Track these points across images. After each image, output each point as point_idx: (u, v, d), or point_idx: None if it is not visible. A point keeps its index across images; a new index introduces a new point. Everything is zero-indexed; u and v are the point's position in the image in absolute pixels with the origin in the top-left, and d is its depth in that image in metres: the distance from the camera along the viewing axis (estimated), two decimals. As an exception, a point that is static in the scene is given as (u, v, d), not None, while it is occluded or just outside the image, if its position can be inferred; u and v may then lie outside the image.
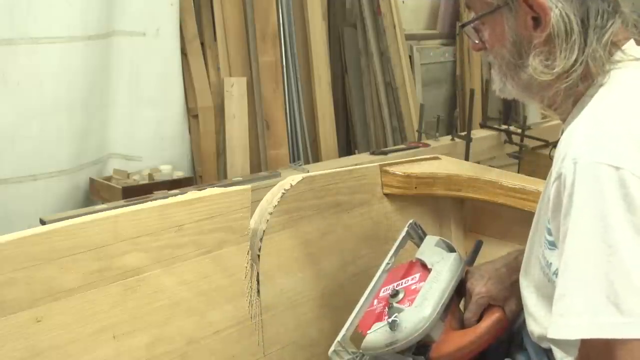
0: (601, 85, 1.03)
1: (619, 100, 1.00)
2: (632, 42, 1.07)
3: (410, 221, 1.48)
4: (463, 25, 1.15)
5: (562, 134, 1.15)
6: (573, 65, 1.03)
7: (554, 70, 1.04)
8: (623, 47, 1.05)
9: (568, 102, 1.09)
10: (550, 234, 1.03)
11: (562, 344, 0.96)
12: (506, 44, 1.08)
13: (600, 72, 1.03)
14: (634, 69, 1.04)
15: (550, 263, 1.06)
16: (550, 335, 0.94)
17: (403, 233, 1.47)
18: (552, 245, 1.04)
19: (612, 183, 0.90)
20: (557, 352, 1.06)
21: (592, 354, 0.93)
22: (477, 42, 1.14)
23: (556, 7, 1.01)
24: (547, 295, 1.09)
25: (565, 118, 1.11)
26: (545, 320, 1.11)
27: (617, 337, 0.88)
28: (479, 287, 1.31)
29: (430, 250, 1.40)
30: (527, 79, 1.08)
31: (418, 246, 1.44)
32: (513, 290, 1.30)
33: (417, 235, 1.48)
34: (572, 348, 0.99)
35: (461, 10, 4.25)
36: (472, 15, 1.13)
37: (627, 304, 0.87)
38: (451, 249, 1.40)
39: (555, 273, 1.03)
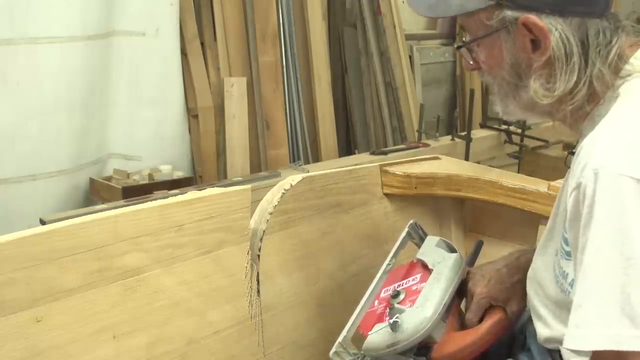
0: (613, 100, 1.02)
1: (636, 109, 0.99)
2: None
3: (411, 222, 1.48)
4: (459, 47, 1.12)
5: (578, 143, 1.14)
6: (575, 87, 1.02)
7: (555, 93, 1.03)
8: (631, 60, 1.04)
9: (578, 123, 1.08)
10: (567, 243, 1.02)
11: (579, 354, 0.95)
12: (504, 65, 1.07)
13: (606, 91, 1.02)
14: None
15: (567, 273, 1.05)
16: (565, 346, 0.94)
17: (403, 233, 1.46)
18: (569, 255, 1.03)
19: (633, 195, 0.89)
20: None
21: None
22: (471, 62, 1.12)
23: (556, 29, 1.00)
24: (560, 303, 1.09)
25: (580, 135, 1.09)
26: (556, 325, 1.12)
27: (629, 349, 0.87)
28: (480, 288, 1.31)
29: (431, 250, 1.39)
30: (529, 99, 1.07)
31: (419, 247, 1.44)
32: (514, 290, 1.29)
33: (417, 236, 1.47)
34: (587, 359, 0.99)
35: (461, 10, 4.24)
36: (467, 35, 1.11)
37: None
38: (452, 250, 1.40)
39: (571, 283, 1.03)
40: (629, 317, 0.87)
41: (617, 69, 1.03)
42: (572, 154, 1.13)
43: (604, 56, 1.01)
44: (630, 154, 0.92)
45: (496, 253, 1.44)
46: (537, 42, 1.02)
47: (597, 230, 0.91)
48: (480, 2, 1.03)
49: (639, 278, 0.87)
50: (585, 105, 1.04)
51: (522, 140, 3.58)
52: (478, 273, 1.35)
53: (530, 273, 1.22)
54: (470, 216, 1.93)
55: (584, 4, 1.00)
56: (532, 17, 1.00)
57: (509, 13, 1.01)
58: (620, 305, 0.87)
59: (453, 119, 3.83)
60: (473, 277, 1.35)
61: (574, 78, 1.01)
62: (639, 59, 1.04)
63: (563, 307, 1.08)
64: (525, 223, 1.71)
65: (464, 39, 1.12)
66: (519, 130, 3.58)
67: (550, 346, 1.14)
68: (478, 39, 1.08)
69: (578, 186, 0.94)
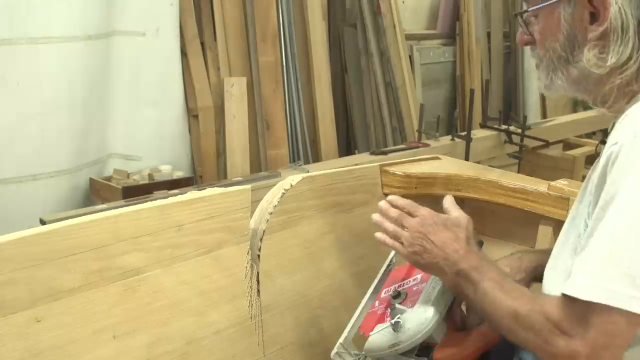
0: None
1: None
2: None
3: None
4: (517, 14, 1.14)
5: (611, 129, 1.14)
6: (627, 61, 1.03)
7: (607, 64, 1.04)
8: None
9: (622, 101, 1.08)
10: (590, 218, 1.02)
11: (574, 303, 0.95)
12: (559, 37, 1.08)
13: None
14: None
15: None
16: (563, 291, 0.95)
17: None
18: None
19: None
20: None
21: (592, 316, 0.93)
22: (526, 35, 1.14)
23: (616, 2, 1.02)
24: None
25: (618, 115, 1.10)
26: None
27: (621, 307, 0.89)
28: None
29: None
30: (578, 74, 1.08)
31: None
32: None
33: None
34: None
35: (461, 10, 4.25)
36: (526, 5, 1.12)
37: None
38: None
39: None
40: (631, 277, 0.88)
41: None
42: (604, 142, 1.14)
43: None
44: None
45: (496, 253, 1.44)
46: (595, 15, 1.04)
47: (627, 190, 0.91)
48: None
49: None
50: (633, 83, 1.05)
51: (522, 140, 3.58)
52: None
53: (546, 273, 1.22)
54: (470, 216, 1.92)
55: None
56: None
57: None
58: (627, 264, 0.88)
59: (453, 119, 3.84)
60: None
61: (628, 52, 1.03)
62: None
63: None
64: (525, 223, 1.71)
65: (523, 8, 1.14)
66: (519, 130, 3.59)
67: None
68: (541, 6, 1.09)
69: (615, 144, 0.96)
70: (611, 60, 1.03)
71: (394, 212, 1.27)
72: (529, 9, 1.12)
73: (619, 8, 1.02)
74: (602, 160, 0.99)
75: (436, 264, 1.18)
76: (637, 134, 0.94)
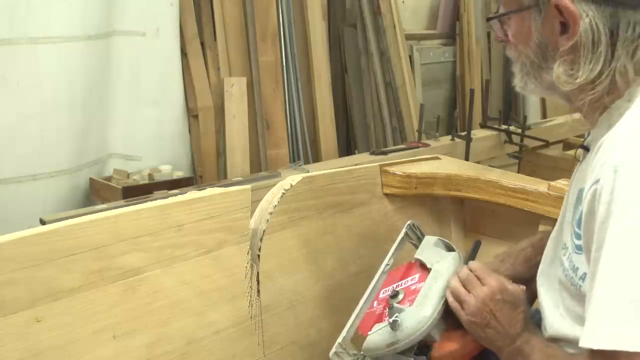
0: (634, 97, 1.00)
1: None
2: None
3: (409, 222, 1.48)
4: (489, 19, 1.12)
5: (587, 136, 1.13)
6: (598, 77, 1.00)
7: (577, 81, 1.01)
8: None
9: (595, 114, 1.07)
10: (578, 238, 1.02)
11: (593, 354, 0.94)
12: (531, 44, 1.06)
13: (627, 87, 1.01)
14: None
15: (577, 267, 1.05)
16: (580, 344, 0.93)
17: (401, 234, 1.46)
18: (579, 249, 1.02)
19: None
20: None
21: None
22: (500, 35, 1.12)
23: (587, 15, 0.98)
24: (569, 297, 1.09)
25: (593, 125, 1.09)
26: (556, 322, 1.12)
27: (637, 350, 0.86)
28: (503, 268, 1.34)
29: (429, 250, 1.39)
30: (551, 81, 1.06)
31: (416, 247, 1.44)
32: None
33: (415, 236, 1.48)
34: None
35: (461, 10, 4.25)
36: (500, 7, 1.11)
37: None
38: (450, 248, 1.40)
39: (582, 278, 1.03)
40: None
41: None
42: (583, 147, 1.14)
43: (631, 52, 0.99)
44: None
45: (496, 253, 1.44)
46: (566, 25, 1.01)
47: (616, 229, 0.90)
48: None
49: None
50: (604, 97, 1.03)
51: (522, 140, 3.58)
52: (496, 259, 1.37)
53: (540, 270, 1.22)
54: (470, 216, 1.93)
55: None
56: (565, 0, 0.99)
57: None
58: (637, 304, 0.86)
59: (453, 119, 3.83)
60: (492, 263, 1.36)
61: (598, 68, 1.00)
62: None
63: (572, 302, 1.08)
64: (525, 223, 1.71)
65: (496, 11, 1.12)
66: (519, 130, 3.59)
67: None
68: (509, 14, 1.07)
69: (597, 182, 0.94)
70: (581, 77, 1.01)
71: (464, 272, 1.24)
72: (499, 15, 1.10)
73: (590, 21, 0.98)
74: (590, 179, 0.96)
75: (495, 341, 1.18)
76: (617, 168, 0.91)
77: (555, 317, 1.13)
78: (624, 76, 1.00)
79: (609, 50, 0.99)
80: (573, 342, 1.02)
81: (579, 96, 1.05)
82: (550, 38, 1.03)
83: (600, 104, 1.04)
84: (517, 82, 1.12)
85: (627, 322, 0.87)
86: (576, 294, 1.05)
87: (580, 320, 0.98)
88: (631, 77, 1.00)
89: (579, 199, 1.06)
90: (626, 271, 0.88)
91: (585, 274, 1.02)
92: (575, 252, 1.05)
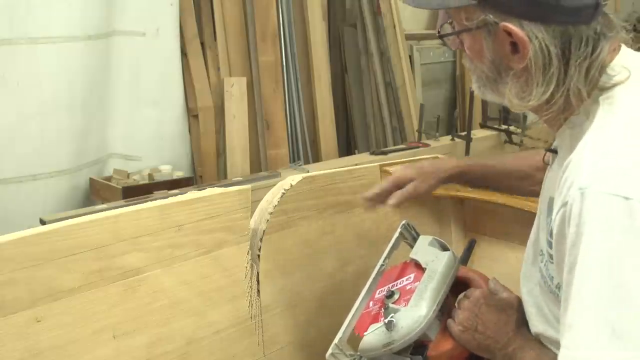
0: (592, 112, 0.99)
1: (622, 125, 0.96)
2: (621, 53, 1.02)
3: (403, 222, 1.48)
4: (440, 37, 1.09)
5: (553, 139, 1.14)
6: (551, 98, 0.99)
7: (529, 104, 1.00)
8: (608, 70, 1.00)
9: (554, 127, 1.07)
10: (551, 247, 1.02)
11: None
12: (485, 61, 1.04)
13: (581, 104, 0.99)
14: (628, 87, 0.99)
15: (552, 277, 1.05)
16: None
17: (396, 234, 1.46)
18: (552, 258, 1.03)
19: (621, 213, 0.87)
20: None
21: None
22: (455, 46, 1.10)
23: (536, 38, 0.96)
24: (546, 301, 1.10)
25: (556, 132, 1.09)
26: (537, 322, 1.13)
27: None
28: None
29: (424, 250, 1.39)
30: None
31: (411, 247, 1.44)
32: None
33: (410, 236, 1.47)
34: None
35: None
36: (449, 27, 1.08)
37: (633, 339, 0.85)
38: (445, 248, 1.40)
39: (558, 287, 1.03)
40: (619, 339, 0.85)
41: (596, 82, 0.99)
42: (551, 150, 1.14)
43: (584, 69, 0.98)
44: (616, 173, 0.90)
45: (496, 253, 1.44)
46: (517, 45, 0.99)
47: (585, 252, 0.89)
48: (462, 0, 1.01)
49: (629, 300, 0.86)
50: (560, 115, 1.03)
51: (522, 141, 3.58)
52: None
53: (522, 272, 1.23)
54: (470, 216, 1.93)
55: (568, 14, 0.96)
56: (512, 26, 0.97)
57: (490, 16, 0.99)
58: (611, 327, 0.86)
59: (453, 119, 3.83)
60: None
61: (550, 89, 0.98)
62: (615, 69, 1.00)
63: (548, 305, 1.09)
64: (525, 223, 1.69)
65: (447, 24, 1.09)
66: (519, 130, 3.58)
67: (543, 341, 1.15)
68: (457, 33, 1.06)
69: (564, 204, 0.93)
70: (533, 100, 1.00)
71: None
72: (448, 34, 1.07)
73: (540, 43, 0.96)
74: (559, 201, 0.96)
75: (487, 346, 1.20)
76: (584, 190, 0.90)
77: (539, 319, 1.13)
78: (577, 95, 0.98)
79: (561, 69, 0.97)
80: (556, 343, 1.03)
81: (537, 113, 1.05)
82: (503, 58, 1.02)
83: (556, 121, 1.05)
84: (475, 89, 1.11)
85: (602, 347, 0.87)
86: (555, 300, 1.06)
87: None
88: (585, 94, 0.98)
89: (550, 209, 1.06)
90: (598, 295, 0.88)
91: (559, 284, 1.02)
92: (550, 262, 1.05)
